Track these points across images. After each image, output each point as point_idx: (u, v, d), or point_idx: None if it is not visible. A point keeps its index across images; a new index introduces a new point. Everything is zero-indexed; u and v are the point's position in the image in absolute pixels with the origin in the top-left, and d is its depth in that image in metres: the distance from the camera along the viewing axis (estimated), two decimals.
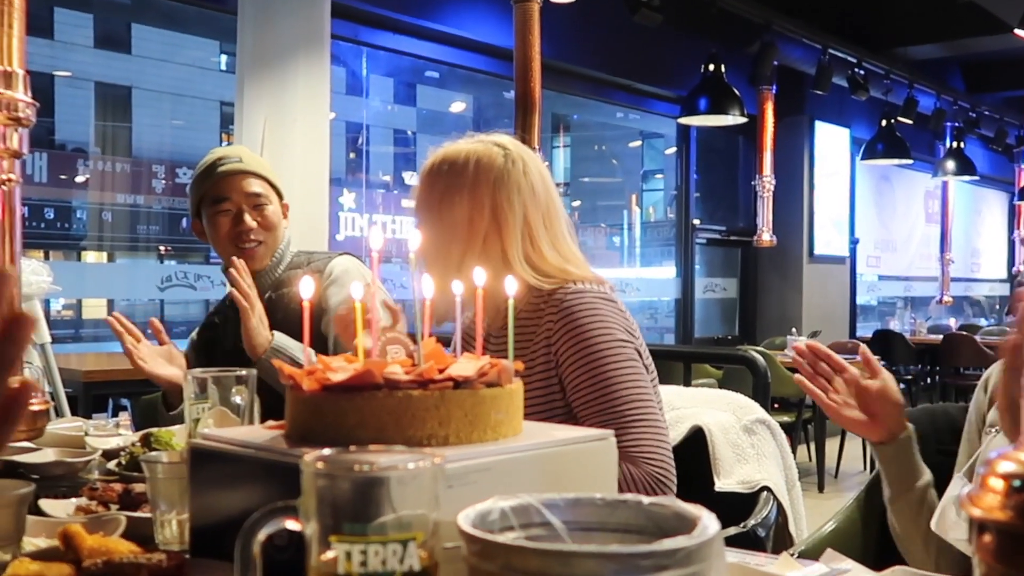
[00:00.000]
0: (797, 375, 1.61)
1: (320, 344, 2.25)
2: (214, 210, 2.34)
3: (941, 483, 1.54)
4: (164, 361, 2.23)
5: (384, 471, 0.72)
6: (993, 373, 1.61)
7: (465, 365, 1.04)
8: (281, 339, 2.20)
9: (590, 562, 0.67)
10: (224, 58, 8.06)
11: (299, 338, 2.19)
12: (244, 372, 1.46)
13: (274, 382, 2.14)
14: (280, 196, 2.43)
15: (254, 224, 2.33)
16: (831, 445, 6.96)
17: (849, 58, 7.88)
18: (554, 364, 1.68)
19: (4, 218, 1.33)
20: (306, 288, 1.12)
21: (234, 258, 2.25)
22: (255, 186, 2.36)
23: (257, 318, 2.19)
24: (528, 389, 1.65)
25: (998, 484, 0.51)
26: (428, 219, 1.75)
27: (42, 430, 1.38)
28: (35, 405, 1.34)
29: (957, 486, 1.39)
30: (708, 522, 0.73)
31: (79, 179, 7.80)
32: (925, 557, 1.53)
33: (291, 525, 0.77)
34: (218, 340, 2.44)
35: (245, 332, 2.19)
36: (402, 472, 0.73)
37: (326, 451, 0.77)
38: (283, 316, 2.28)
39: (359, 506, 0.71)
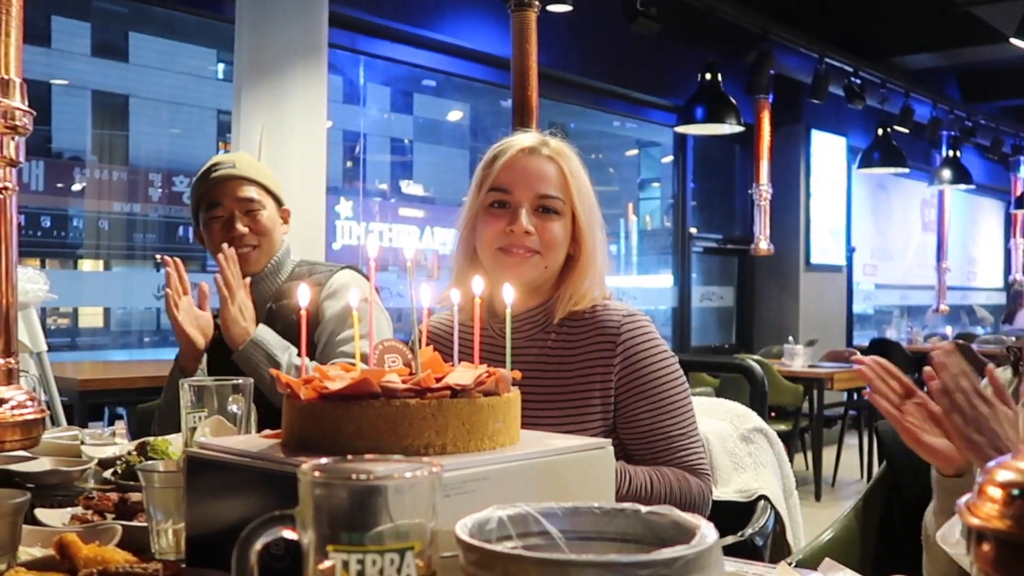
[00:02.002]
0: (871, 393, 1.48)
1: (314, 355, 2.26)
2: (208, 216, 2.35)
3: None
4: (193, 321, 2.26)
5: (381, 480, 0.72)
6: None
7: (462, 374, 1.03)
8: (262, 333, 2.22)
9: (588, 572, 0.67)
10: (221, 67, 8.07)
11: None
12: (240, 381, 1.46)
13: (252, 374, 2.14)
14: (279, 202, 2.42)
15: (245, 230, 2.33)
16: (828, 454, 6.95)
17: (845, 67, 7.90)
18: (607, 387, 1.67)
19: (1, 227, 1.33)
20: (303, 297, 1.12)
21: (223, 245, 2.26)
22: (248, 191, 2.35)
23: (237, 308, 2.21)
24: (561, 403, 1.66)
25: (996, 493, 0.51)
26: (572, 208, 1.73)
27: (38, 439, 1.37)
28: (31, 414, 1.33)
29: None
30: (706, 531, 0.73)
31: (76, 187, 7.79)
32: (945, 568, 1.49)
33: (288, 534, 0.77)
34: (220, 341, 2.43)
35: (223, 321, 2.22)
36: (399, 481, 0.73)
37: (323, 460, 0.77)
38: (283, 327, 2.28)
39: (356, 515, 0.71)
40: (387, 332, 2.36)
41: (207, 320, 2.29)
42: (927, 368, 1.40)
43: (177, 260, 2.28)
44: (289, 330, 2.25)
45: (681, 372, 1.72)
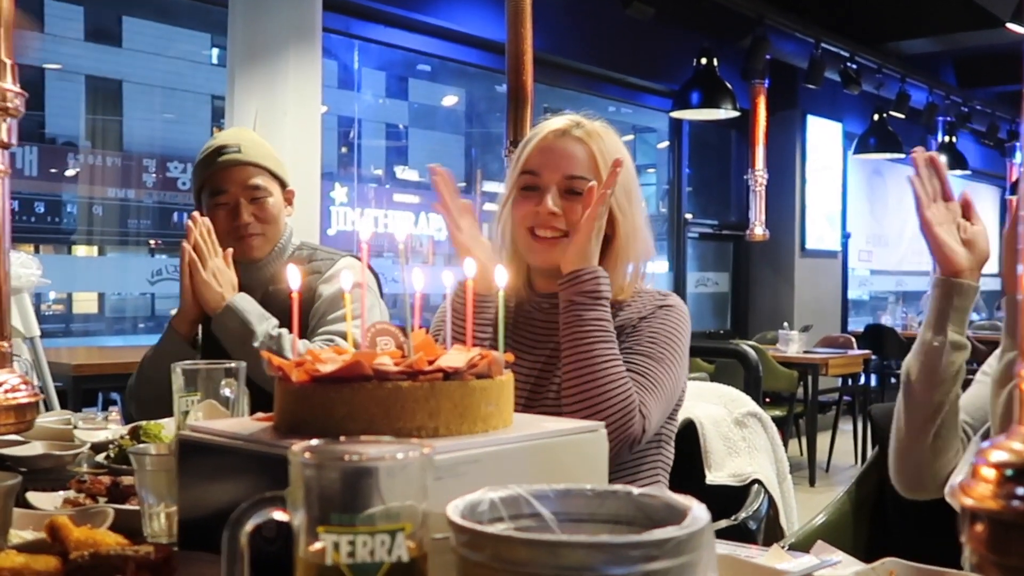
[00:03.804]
0: (913, 176, 1.62)
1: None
2: (212, 202, 2.30)
3: None
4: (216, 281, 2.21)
5: (372, 461, 0.72)
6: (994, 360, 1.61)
7: (455, 356, 1.03)
8: (240, 300, 2.18)
9: (579, 552, 0.67)
10: (215, 52, 8.03)
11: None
12: (233, 364, 1.45)
13: (227, 343, 2.13)
14: (283, 185, 2.38)
15: (251, 219, 2.28)
16: (822, 439, 6.97)
17: (841, 52, 7.88)
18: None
19: None
20: (294, 279, 1.11)
21: (194, 213, 2.24)
22: (255, 178, 2.30)
23: (210, 274, 2.17)
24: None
25: (990, 473, 0.51)
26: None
27: (32, 423, 1.37)
28: (25, 398, 1.33)
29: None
30: (698, 512, 0.73)
31: (69, 173, 7.76)
32: (927, 414, 1.55)
33: (279, 516, 0.77)
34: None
35: (195, 286, 2.18)
36: (390, 463, 0.72)
37: (314, 441, 0.76)
38: (279, 311, 2.24)
39: (347, 497, 0.71)
40: (381, 317, 2.34)
41: (232, 278, 2.24)
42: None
43: (206, 219, 2.24)
44: (285, 313, 2.21)
45: (682, 349, 1.68)
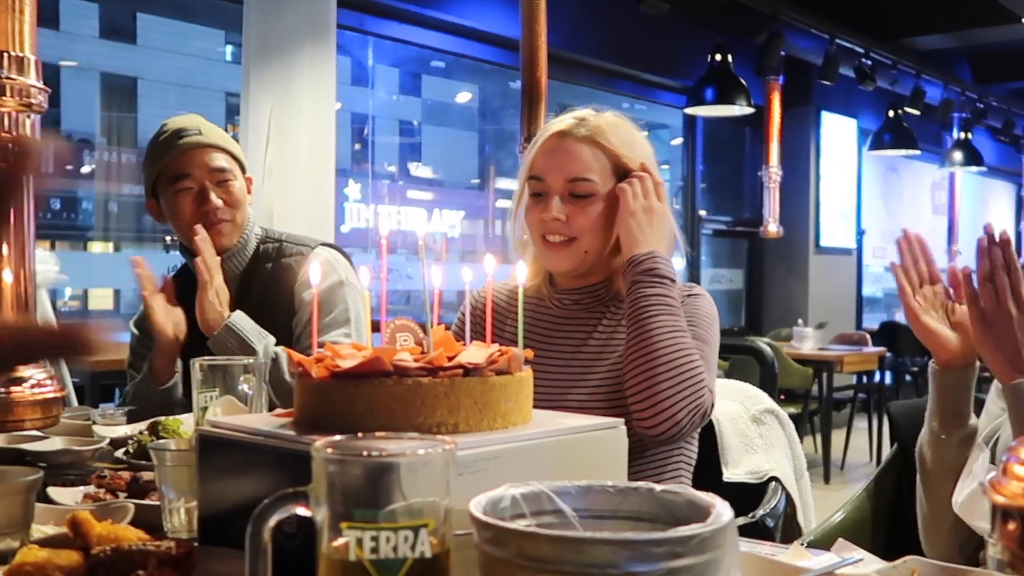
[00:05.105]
0: (895, 265, 1.57)
1: (288, 345, 2.15)
2: (174, 188, 2.17)
3: None
4: (168, 318, 2.13)
5: (394, 457, 0.72)
6: None
7: (474, 352, 1.03)
8: (238, 319, 2.09)
9: (603, 549, 0.66)
10: (229, 49, 8.05)
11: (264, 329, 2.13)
12: (251, 360, 1.45)
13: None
14: (243, 169, 2.26)
15: (219, 203, 2.17)
16: (837, 437, 6.95)
17: (856, 48, 7.84)
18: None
19: (18, 206, 1.33)
20: (315, 274, 1.11)
21: (197, 226, 2.12)
22: (219, 160, 2.18)
23: (214, 292, 2.09)
24: (600, 380, 1.65)
25: (1022, 471, 0.50)
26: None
27: (57, 418, 1.38)
28: (51, 393, 1.34)
29: (981, 464, 1.35)
30: (722, 509, 0.73)
31: (85, 170, 7.80)
32: (946, 499, 1.50)
33: (302, 511, 0.77)
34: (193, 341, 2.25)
35: (199, 305, 2.09)
36: (412, 458, 0.72)
37: (337, 437, 0.77)
38: (252, 310, 2.16)
39: (370, 492, 0.71)
40: (364, 313, 2.21)
41: (179, 316, 2.15)
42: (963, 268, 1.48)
43: (142, 259, 2.16)
44: (258, 312, 2.15)
45: (717, 338, 1.69)
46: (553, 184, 1.68)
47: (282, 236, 2.33)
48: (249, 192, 2.28)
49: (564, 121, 1.72)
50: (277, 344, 2.13)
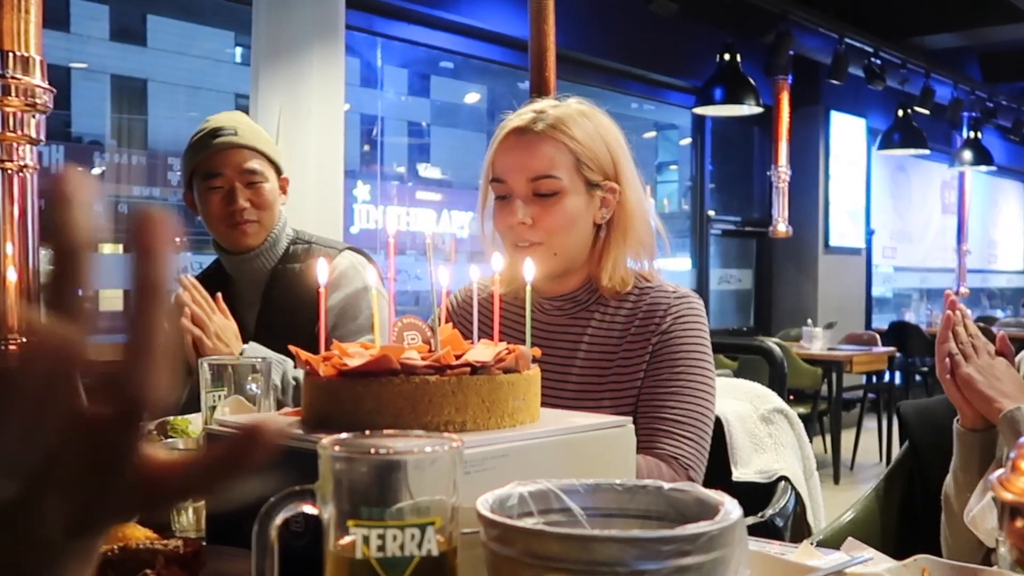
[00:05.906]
0: (940, 343, 1.53)
1: (312, 347, 2.11)
2: (206, 185, 2.20)
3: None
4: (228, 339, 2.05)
5: (401, 455, 0.72)
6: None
7: (482, 351, 1.03)
8: (252, 351, 2.02)
9: (612, 547, 0.66)
10: (239, 50, 8.06)
11: (294, 340, 2.06)
12: (259, 361, 1.45)
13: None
14: (279, 171, 2.28)
15: (246, 204, 2.18)
16: (847, 437, 6.93)
17: (865, 47, 7.82)
18: (642, 360, 1.60)
19: (23, 205, 1.33)
20: (322, 272, 1.11)
21: (182, 277, 2.07)
22: (251, 162, 2.20)
23: (214, 338, 2.01)
24: (599, 381, 1.61)
25: None
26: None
27: None
28: None
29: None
30: (730, 508, 0.73)
31: (95, 171, 7.82)
32: (971, 537, 1.49)
33: (308, 510, 0.77)
34: None
35: (202, 356, 1.94)
36: (419, 456, 0.72)
37: (344, 435, 0.76)
38: (280, 319, 2.17)
39: (377, 490, 0.71)
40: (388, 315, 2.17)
41: (234, 327, 2.08)
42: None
43: (193, 281, 2.07)
44: (283, 320, 2.15)
45: (709, 365, 1.62)
46: (515, 185, 1.57)
47: (312, 238, 2.34)
48: (284, 192, 2.30)
49: (522, 116, 1.61)
50: (295, 350, 2.09)
